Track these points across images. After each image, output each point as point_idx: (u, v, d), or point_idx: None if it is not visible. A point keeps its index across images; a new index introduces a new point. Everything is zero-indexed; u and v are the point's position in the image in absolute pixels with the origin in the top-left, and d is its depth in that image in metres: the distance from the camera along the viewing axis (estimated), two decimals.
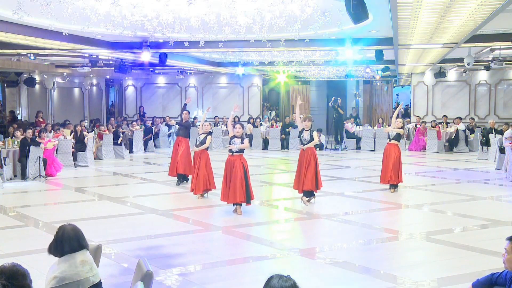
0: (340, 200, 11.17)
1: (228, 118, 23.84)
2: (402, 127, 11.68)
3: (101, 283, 3.90)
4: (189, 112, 13.28)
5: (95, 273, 3.84)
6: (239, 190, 9.29)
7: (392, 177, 11.51)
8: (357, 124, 23.00)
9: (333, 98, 22.82)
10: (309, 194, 10.36)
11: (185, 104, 13.12)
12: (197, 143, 11.03)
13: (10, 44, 13.25)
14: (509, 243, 3.83)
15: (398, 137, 11.57)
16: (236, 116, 24.07)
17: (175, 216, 9.58)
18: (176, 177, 12.81)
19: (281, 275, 2.73)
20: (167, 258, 6.92)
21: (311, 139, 10.29)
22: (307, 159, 10.25)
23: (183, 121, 12.98)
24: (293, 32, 9.98)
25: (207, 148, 11.06)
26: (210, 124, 11.38)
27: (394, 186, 11.65)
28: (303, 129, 10.37)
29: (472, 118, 21.97)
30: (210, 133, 11.16)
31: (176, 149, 12.73)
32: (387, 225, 9.01)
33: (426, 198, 11.41)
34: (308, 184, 10.18)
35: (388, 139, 11.72)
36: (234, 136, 9.51)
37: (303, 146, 10.32)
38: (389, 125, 12.36)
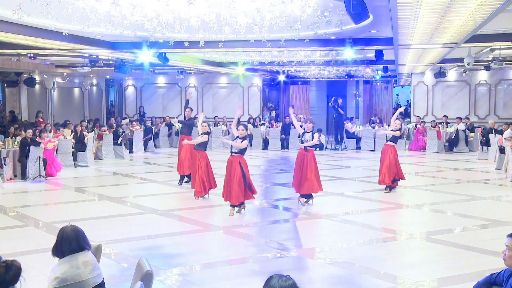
0: (340, 200, 11.17)
1: (228, 118, 23.86)
2: (399, 129, 11.71)
3: (104, 283, 3.90)
4: (191, 109, 13.14)
5: (98, 274, 3.84)
6: (236, 193, 9.31)
7: (385, 178, 11.52)
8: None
9: (333, 98, 22.82)
10: (307, 195, 10.36)
11: (187, 101, 12.94)
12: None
13: (10, 44, 13.25)
14: (510, 239, 3.85)
15: (394, 138, 11.62)
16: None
17: (175, 216, 9.58)
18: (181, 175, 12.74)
19: (281, 275, 2.73)
20: (167, 258, 6.92)
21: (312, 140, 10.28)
22: (306, 160, 10.22)
23: (186, 119, 12.90)
24: (293, 32, 9.98)
25: (205, 149, 10.99)
26: (208, 125, 11.29)
27: (389, 188, 11.63)
28: (304, 131, 10.40)
29: (468, 118, 21.92)
30: (208, 133, 11.09)
31: (181, 147, 12.65)
32: (387, 225, 9.02)
33: (426, 198, 11.41)
34: (308, 187, 10.17)
35: (386, 140, 11.81)
36: (237, 137, 9.51)
37: (302, 145, 10.30)
38: (388, 125, 12.37)
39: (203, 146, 10.90)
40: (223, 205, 9.98)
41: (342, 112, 22.66)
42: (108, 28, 9.54)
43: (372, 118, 25.23)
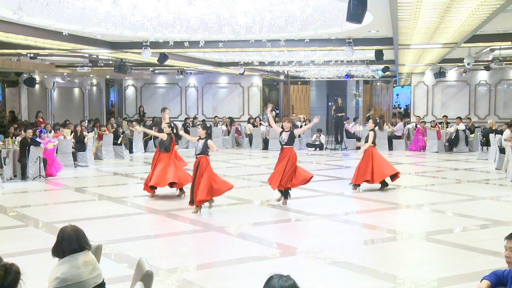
0: (340, 200, 11.17)
1: (227, 118, 23.88)
2: (373, 128, 11.96)
3: (104, 283, 3.90)
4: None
5: (98, 274, 3.84)
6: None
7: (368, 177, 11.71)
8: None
9: (333, 99, 22.83)
10: (285, 194, 10.33)
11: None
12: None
13: (10, 44, 13.25)
14: (507, 241, 3.88)
15: (372, 139, 11.83)
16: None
17: (175, 216, 9.58)
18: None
19: (281, 275, 2.73)
20: (167, 258, 6.92)
21: (290, 139, 10.25)
22: (286, 158, 10.19)
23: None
24: (293, 32, 9.98)
25: (168, 150, 11.07)
26: (169, 125, 11.11)
27: (384, 184, 11.79)
28: (282, 131, 10.36)
29: (469, 118, 21.95)
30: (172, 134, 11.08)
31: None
32: (387, 225, 9.01)
33: (426, 198, 11.41)
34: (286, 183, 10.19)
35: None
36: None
37: (282, 146, 10.33)
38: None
39: (167, 147, 10.95)
40: (222, 205, 10.00)
41: (342, 113, 22.67)
42: (108, 28, 9.55)
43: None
